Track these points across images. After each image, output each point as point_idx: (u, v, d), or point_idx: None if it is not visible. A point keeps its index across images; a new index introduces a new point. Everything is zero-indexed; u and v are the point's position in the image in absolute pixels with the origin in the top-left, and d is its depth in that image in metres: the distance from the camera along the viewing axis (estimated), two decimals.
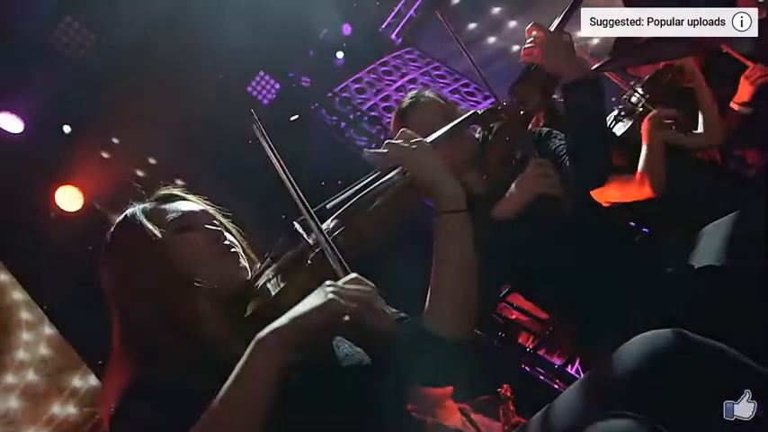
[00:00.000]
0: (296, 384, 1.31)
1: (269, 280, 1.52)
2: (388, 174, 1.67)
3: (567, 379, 3.79)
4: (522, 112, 2.21)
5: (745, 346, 1.42)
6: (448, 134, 1.87)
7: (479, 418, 3.36)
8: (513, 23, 6.69)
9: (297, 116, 6.55)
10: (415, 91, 2.47)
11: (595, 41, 5.86)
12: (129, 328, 1.51)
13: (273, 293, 1.48)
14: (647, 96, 3.25)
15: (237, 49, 4.98)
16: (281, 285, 1.48)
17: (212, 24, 4.82)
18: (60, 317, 4.61)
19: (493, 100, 2.31)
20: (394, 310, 1.63)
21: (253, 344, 1.27)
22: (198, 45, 4.85)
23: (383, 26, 6.93)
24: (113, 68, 4.74)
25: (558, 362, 3.82)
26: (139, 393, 1.39)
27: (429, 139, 1.76)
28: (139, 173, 4.97)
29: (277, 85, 6.09)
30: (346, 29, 6.52)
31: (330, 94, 6.58)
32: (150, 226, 1.55)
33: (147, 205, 1.63)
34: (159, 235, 1.53)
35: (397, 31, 6.97)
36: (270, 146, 1.56)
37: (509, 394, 3.31)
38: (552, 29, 2.21)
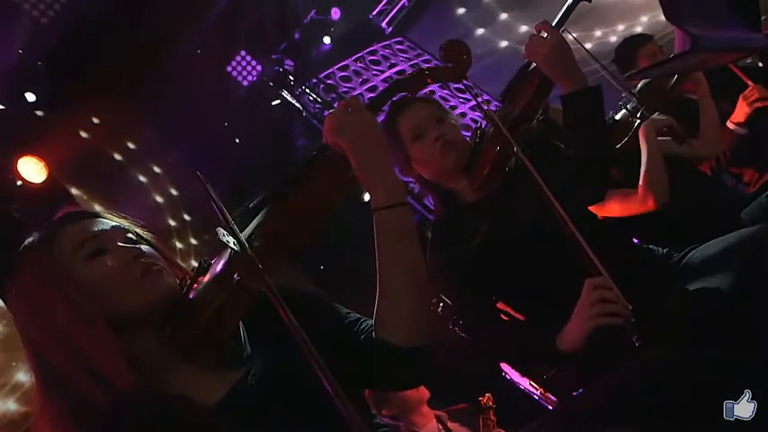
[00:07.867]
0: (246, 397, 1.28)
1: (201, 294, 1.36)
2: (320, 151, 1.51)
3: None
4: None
5: None
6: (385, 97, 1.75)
7: (457, 428, 3.15)
8: (524, 28, 6.50)
9: (278, 101, 6.34)
10: None
11: (613, 39, 5.70)
12: (47, 375, 1.31)
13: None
14: (645, 105, 3.10)
15: (219, 23, 4.74)
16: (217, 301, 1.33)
17: None
18: None
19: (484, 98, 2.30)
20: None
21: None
22: (176, 15, 4.59)
23: (374, 13, 6.70)
24: (85, 34, 4.46)
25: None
26: None
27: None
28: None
29: (259, 67, 5.87)
30: (335, 13, 6.31)
31: (314, 80, 6.36)
32: (57, 255, 1.35)
33: (52, 230, 1.40)
34: (68, 266, 1.34)
35: (387, 19, 6.75)
36: None
37: (491, 404, 3.10)
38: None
